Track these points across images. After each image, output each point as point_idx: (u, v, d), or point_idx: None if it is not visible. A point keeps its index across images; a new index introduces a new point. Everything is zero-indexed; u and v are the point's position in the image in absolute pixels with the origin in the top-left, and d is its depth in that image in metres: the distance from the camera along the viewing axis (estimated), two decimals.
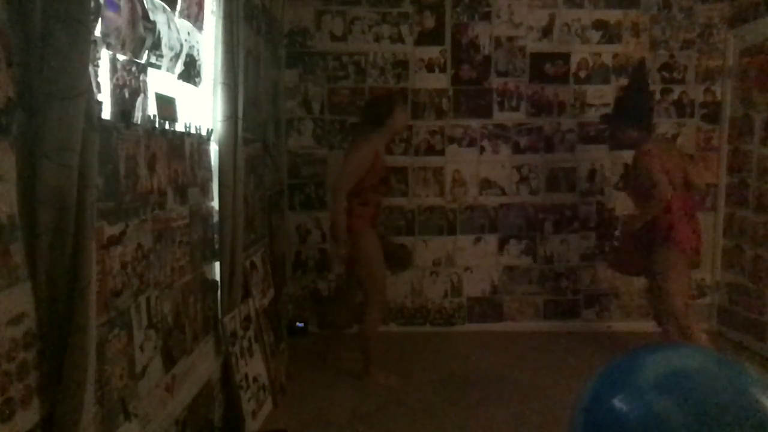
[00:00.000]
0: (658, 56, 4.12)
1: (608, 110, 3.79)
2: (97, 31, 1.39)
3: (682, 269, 3.24)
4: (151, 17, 1.74)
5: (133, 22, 1.62)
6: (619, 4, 4.09)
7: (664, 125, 4.16)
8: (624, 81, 4.00)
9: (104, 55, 1.46)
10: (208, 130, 2.34)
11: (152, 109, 1.78)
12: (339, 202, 3.08)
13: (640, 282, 4.20)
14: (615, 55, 4.12)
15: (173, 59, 1.96)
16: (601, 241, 4.23)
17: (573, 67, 4.13)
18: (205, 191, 2.34)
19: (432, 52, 4.09)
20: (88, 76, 1.19)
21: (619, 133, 3.41)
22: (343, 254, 3.22)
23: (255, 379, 2.68)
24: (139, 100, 1.68)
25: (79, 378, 1.19)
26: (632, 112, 3.30)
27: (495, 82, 4.12)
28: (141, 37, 1.67)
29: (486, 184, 4.19)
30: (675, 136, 4.18)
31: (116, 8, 1.52)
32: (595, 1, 4.09)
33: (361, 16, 4.04)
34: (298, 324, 4.08)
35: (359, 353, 3.31)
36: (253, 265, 2.97)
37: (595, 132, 4.15)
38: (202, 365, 2.24)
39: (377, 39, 4.06)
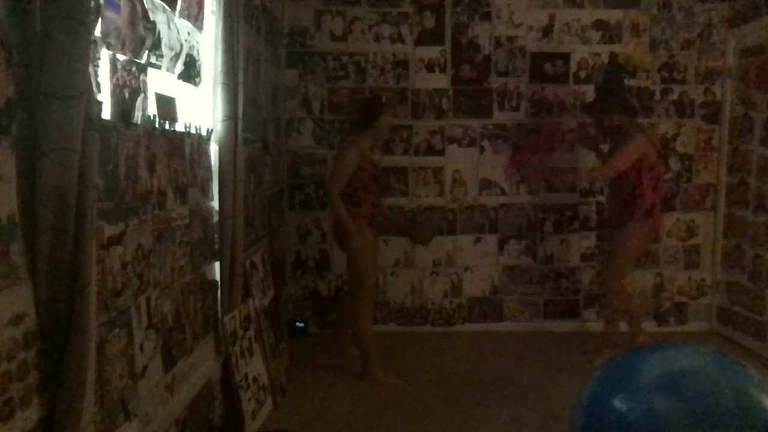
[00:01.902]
0: (658, 56, 4.12)
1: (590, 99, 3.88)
2: (97, 31, 1.39)
3: (640, 245, 3.51)
4: (151, 17, 1.74)
5: (133, 22, 1.62)
6: (619, 4, 4.09)
7: (664, 125, 4.16)
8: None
9: (104, 55, 1.46)
10: (208, 130, 2.34)
11: (152, 109, 1.78)
12: (334, 203, 3.17)
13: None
14: (615, 55, 4.12)
15: (173, 59, 1.96)
16: (601, 241, 4.23)
17: (573, 67, 4.13)
18: (205, 191, 2.34)
19: (432, 52, 4.09)
20: (88, 76, 1.19)
21: (605, 119, 3.50)
22: (360, 246, 3.21)
23: (255, 379, 2.69)
24: (139, 100, 1.68)
25: (79, 378, 1.19)
26: (614, 98, 3.43)
27: (495, 82, 4.12)
28: (141, 37, 1.67)
29: (486, 184, 4.19)
30: (675, 136, 4.18)
31: (116, 8, 1.52)
32: (595, 1, 4.09)
33: (361, 16, 4.04)
34: (298, 324, 4.08)
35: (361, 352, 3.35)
36: (253, 265, 2.97)
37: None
38: (202, 365, 2.24)
39: (377, 39, 4.06)
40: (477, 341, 3.99)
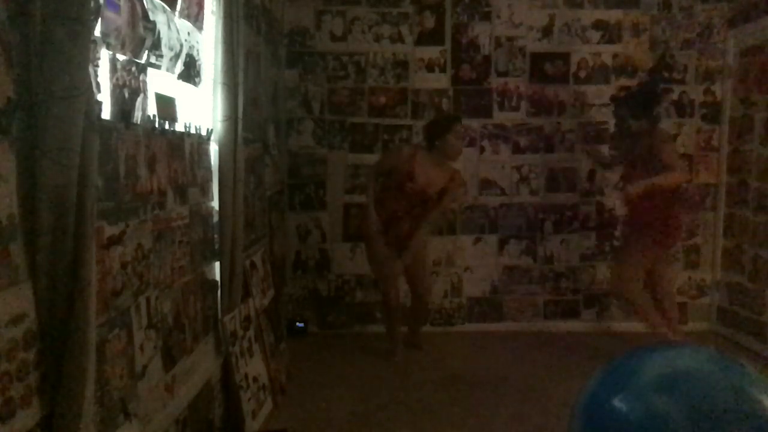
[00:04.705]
0: (659, 56, 4.12)
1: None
2: (97, 31, 1.39)
3: (646, 260, 3.43)
4: (151, 17, 1.74)
5: (133, 22, 1.62)
6: (619, 4, 4.09)
7: (664, 125, 4.15)
8: (624, 81, 4.05)
9: (104, 55, 1.46)
10: (208, 130, 2.34)
11: (152, 109, 1.78)
12: (367, 184, 3.53)
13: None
14: (615, 55, 4.12)
15: (173, 59, 1.96)
16: (601, 241, 4.24)
17: (573, 67, 4.13)
18: (205, 191, 2.34)
19: (432, 52, 4.09)
20: (88, 76, 1.19)
21: (626, 120, 3.48)
22: (377, 232, 3.46)
23: (255, 379, 2.69)
24: (139, 100, 1.68)
25: (79, 378, 1.18)
26: (640, 102, 3.40)
27: (495, 82, 4.12)
28: (141, 37, 1.67)
29: (486, 184, 4.19)
30: (675, 136, 4.18)
31: (116, 8, 1.52)
32: (595, 1, 4.09)
33: (361, 16, 4.04)
34: (298, 324, 4.08)
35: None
36: (253, 265, 2.97)
37: (596, 131, 4.16)
38: (202, 365, 2.24)
39: (377, 39, 4.06)
40: (477, 341, 3.99)
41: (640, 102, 3.40)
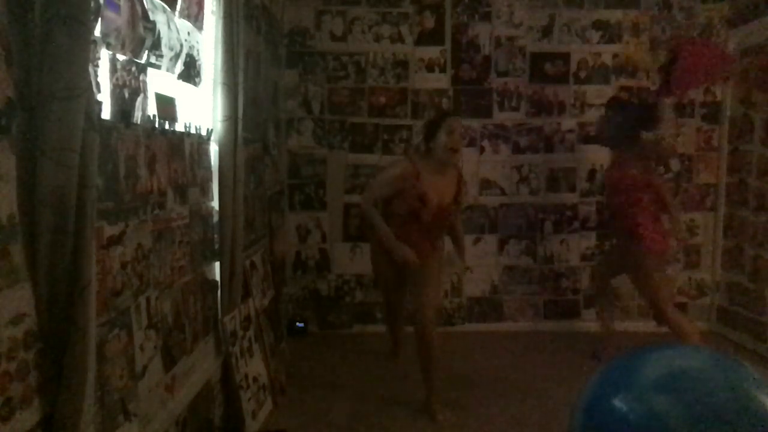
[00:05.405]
0: (658, 56, 4.12)
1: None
2: (97, 31, 1.39)
3: (661, 270, 3.31)
4: (151, 17, 1.74)
5: (133, 22, 1.62)
6: (619, 4, 4.09)
7: (664, 125, 4.15)
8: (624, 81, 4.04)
9: (104, 55, 1.46)
10: (208, 130, 2.34)
11: (152, 109, 1.78)
12: (369, 215, 2.83)
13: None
14: (615, 55, 4.12)
15: (173, 59, 1.96)
16: (601, 241, 4.23)
17: (573, 67, 4.13)
18: (205, 191, 2.34)
19: (432, 52, 4.09)
20: (88, 76, 1.19)
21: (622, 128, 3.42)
22: (410, 256, 2.78)
23: (255, 379, 2.69)
24: (139, 100, 1.68)
25: (79, 378, 1.19)
26: (639, 118, 3.39)
27: (495, 82, 4.12)
28: (141, 37, 1.67)
29: (486, 184, 4.19)
30: (675, 137, 4.18)
31: (116, 8, 1.52)
32: (595, 1, 4.09)
33: (361, 16, 4.04)
34: (298, 324, 4.08)
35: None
36: (253, 265, 2.97)
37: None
38: (202, 365, 2.24)
39: (377, 39, 4.06)
40: (477, 341, 3.99)
41: (639, 118, 3.38)
